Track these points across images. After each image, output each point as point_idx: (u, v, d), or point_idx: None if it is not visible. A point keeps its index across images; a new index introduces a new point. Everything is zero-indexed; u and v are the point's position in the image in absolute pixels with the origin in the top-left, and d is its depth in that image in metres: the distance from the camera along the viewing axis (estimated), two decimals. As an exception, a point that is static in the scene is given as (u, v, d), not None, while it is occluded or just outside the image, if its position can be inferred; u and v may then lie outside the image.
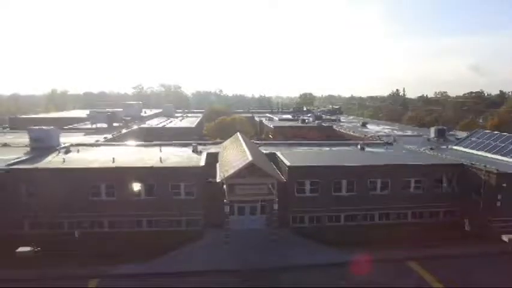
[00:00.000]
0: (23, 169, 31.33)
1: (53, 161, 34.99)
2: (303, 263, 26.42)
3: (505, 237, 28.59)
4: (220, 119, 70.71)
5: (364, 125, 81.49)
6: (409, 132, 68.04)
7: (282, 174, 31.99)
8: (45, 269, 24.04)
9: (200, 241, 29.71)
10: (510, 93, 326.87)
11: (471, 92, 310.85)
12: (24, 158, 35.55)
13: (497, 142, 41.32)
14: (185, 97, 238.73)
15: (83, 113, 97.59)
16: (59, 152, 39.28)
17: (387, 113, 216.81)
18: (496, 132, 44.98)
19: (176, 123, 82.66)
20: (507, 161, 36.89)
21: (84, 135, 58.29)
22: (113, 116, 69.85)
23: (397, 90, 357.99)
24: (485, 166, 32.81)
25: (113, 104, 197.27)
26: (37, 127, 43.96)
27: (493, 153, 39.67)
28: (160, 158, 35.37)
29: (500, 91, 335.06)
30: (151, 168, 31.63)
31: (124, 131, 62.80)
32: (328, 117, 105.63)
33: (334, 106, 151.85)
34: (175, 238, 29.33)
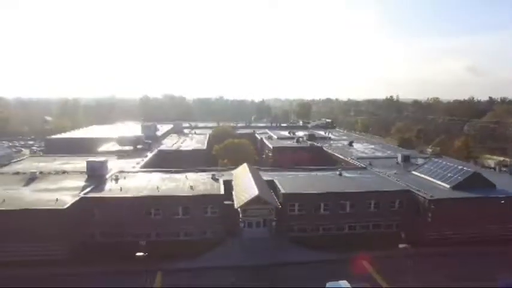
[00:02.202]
0: (96, 197, 44.46)
1: (113, 189, 48.11)
2: (293, 261, 39.68)
3: (400, 246, 39.96)
4: (227, 141, 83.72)
5: (350, 144, 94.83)
6: (386, 153, 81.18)
7: (278, 197, 45.38)
8: (125, 266, 37.20)
9: (221, 246, 42.87)
10: (499, 100, 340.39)
11: (461, 100, 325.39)
12: (91, 186, 48.52)
13: (441, 170, 54.69)
14: (189, 106, 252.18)
15: (102, 130, 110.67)
16: (112, 180, 52.42)
17: (378, 122, 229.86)
18: (442, 161, 58.20)
19: (188, 143, 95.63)
20: (444, 186, 50.27)
21: (118, 158, 71.32)
22: (137, 140, 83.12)
23: (391, 96, 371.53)
24: (424, 192, 46.17)
25: (122, 113, 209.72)
26: (93, 159, 56.50)
27: (437, 179, 52.97)
28: (191, 186, 48.59)
29: (490, 97, 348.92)
30: (188, 196, 44.86)
31: (148, 154, 75.96)
32: (321, 133, 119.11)
33: (327, 120, 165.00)
34: (205, 244, 42.49)
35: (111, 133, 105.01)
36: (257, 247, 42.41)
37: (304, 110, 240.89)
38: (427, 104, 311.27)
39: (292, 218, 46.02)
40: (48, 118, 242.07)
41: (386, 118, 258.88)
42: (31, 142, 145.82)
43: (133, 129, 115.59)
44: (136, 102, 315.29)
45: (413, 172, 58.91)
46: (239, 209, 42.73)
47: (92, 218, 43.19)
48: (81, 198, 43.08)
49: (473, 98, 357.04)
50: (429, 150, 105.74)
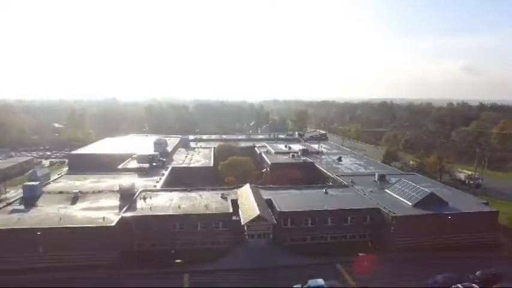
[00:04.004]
0: (133, 216, 56.97)
1: (144, 208, 60.63)
2: (286, 264, 52.33)
3: (360, 254, 52.70)
4: (230, 159, 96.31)
5: (339, 159, 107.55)
6: (368, 169, 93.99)
7: (275, 214, 58.17)
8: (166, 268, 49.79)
9: (231, 253, 55.44)
10: (489, 105, 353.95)
11: (452, 106, 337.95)
12: (125, 205, 60.89)
13: (407, 189, 67.44)
14: (191, 114, 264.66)
15: (117, 145, 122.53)
16: (141, 198, 64.93)
17: (371, 127, 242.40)
18: (408, 181, 70.67)
19: (196, 158, 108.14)
20: (407, 204, 63.01)
21: (139, 176, 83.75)
22: (152, 159, 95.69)
23: (385, 102, 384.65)
24: (389, 210, 58.91)
25: (127, 121, 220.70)
26: (126, 183, 68.66)
27: (403, 197, 65.67)
28: (206, 206, 61.23)
29: (480, 103, 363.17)
30: (204, 214, 57.51)
31: (164, 172, 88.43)
32: (314, 146, 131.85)
33: (321, 132, 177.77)
34: (218, 252, 55.07)
35: (126, 147, 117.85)
36: (258, 254, 55.02)
37: (301, 117, 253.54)
38: (420, 109, 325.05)
39: (285, 231, 58.68)
40: (57, 125, 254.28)
41: (380, 123, 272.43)
42: (48, 153, 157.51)
43: (144, 142, 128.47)
44: (138, 107, 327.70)
45: (386, 190, 71.56)
46: (244, 225, 55.46)
47: (131, 232, 55.71)
48: (122, 217, 55.61)
49: (465, 103, 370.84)
50: (411, 162, 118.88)
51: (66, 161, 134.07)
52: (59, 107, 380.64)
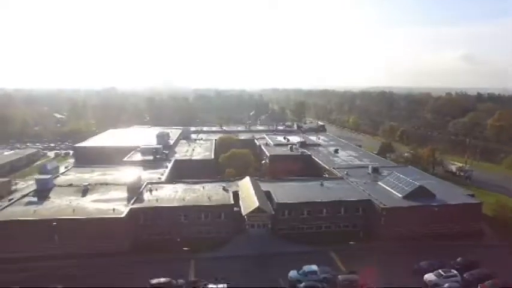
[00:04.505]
0: (141, 208, 61.03)
1: (151, 199, 64.65)
2: (283, 251, 56.62)
3: (351, 242, 57.29)
4: (231, 152, 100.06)
5: (336, 151, 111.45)
6: (363, 161, 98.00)
7: (273, 205, 62.26)
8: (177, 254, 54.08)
9: (232, 242, 59.67)
10: (486, 95, 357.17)
11: (450, 96, 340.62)
12: (133, 197, 64.88)
13: (397, 182, 71.47)
14: (190, 105, 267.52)
15: (121, 137, 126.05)
16: (147, 191, 68.92)
17: (370, 117, 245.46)
18: (399, 174, 74.60)
19: (197, 151, 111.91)
20: (397, 195, 67.08)
21: (144, 169, 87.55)
22: (156, 151, 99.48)
23: (384, 91, 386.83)
24: (380, 202, 62.98)
25: (128, 112, 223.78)
26: (134, 177, 72.26)
27: (394, 190, 69.69)
28: (209, 197, 65.28)
29: (478, 93, 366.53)
30: (207, 206, 61.59)
31: (167, 164, 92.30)
32: (312, 138, 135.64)
33: (319, 123, 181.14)
34: (219, 240, 59.30)
35: (130, 140, 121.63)
36: (258, 242, 59.26)
37: (300, 108, 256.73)
38: (418, 99, 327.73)
39: (283, 221, 62.85)
40: (58, 116, 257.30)
41: (378, 113, 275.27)
42: (52, 145, 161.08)
43: (147, 135, 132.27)
44: (139, 97, 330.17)
45: (379, 182, 75.57)
46: (245, 215, 59.57)
47: (139, 222, 59.83)
48: (131, 209, 59.66)
49: (464, 93, 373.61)
50: (406, 154, 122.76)
51: (71, 152, 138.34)
52: (58, 96, 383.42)
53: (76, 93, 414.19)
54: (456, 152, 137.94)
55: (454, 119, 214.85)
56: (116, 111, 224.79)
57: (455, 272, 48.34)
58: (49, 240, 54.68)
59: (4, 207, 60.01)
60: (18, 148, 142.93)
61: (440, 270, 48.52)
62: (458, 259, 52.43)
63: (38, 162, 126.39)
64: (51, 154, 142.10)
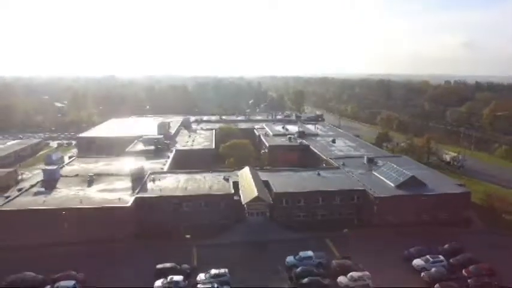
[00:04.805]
0: (145, 197, 63.91)
1: (154, 189, 67.51)
2: (280, 238, 59.78)
3: (345, 229, 60.77)
4: (231, 142, 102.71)
5: (333, 141, 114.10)
6: (359, 152, 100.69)
7: (271, 194, 65.19)
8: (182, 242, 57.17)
9: (232, 229, 62.76)
10: (486, 83, 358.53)
11: (449, 85, 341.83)
12: (137, 186, 67.70)
13: (391, 172, 74.34)
14: (190, 94, 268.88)
15: (122, 126, 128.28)
16: (150, 180, 71.70)
17: (368, 107, 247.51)
18: (393, 165, 77.43)
19: (198, 141, 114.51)
20: (390, 185, 69.99)
21: (146, 159, 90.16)
22: (157, 141, 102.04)
23: (382, 80, 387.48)
24: (373, 191, 65.90)
25: (128, 101, 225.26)
26: (137, 167, 75.03)
27: (387, 179, 72.59)
28: (210, 186, 68.14)
29: (476, 82, 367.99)
30: (209, 195, 64.51)
31: (169, 154, 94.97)
32: (310, 128, 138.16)
33: (317, 113, 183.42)
34: (220, 227, 62.34)
35: (131, 130, 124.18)
36: (257, 230, 62.41)
37: (298, 98, 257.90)
38: (417, 87, 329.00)
39: (281, 209, 65.85)
40: (59, 105, 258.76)
41: (376, 102, 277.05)
42: (55, 135, 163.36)
43: (147, 124, 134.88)
44: (138, 86, 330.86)
45: (373, 172, 78.43)
46: (244, 204, 62.55)
47: (143, 210, 62.76)
48: (136, 198, 62.54)
49: (462, 81, 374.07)
50: (402, 144, 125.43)
51: (73, 142, 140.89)
52: (58, 84, 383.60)
53: (76, 82, 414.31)
54: (452, 141, 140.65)
55: (452, 108, 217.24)
56: (117, 100, 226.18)
57: (441, 257, 51.52)
58: (58, 228, 57.56)
59: (15, 197, 62.82)
60: (21, 138, 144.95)
61: (428, 256, 51.70)
62: (446, 245, 55.63)
63: (42, 152, 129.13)
64: (54, 144, 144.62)
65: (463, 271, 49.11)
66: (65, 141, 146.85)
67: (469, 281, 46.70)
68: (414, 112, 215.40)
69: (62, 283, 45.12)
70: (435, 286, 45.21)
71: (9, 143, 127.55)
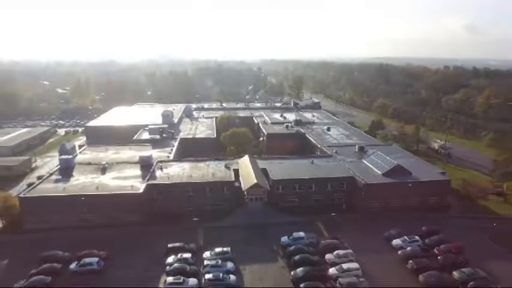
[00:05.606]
0: (155, 184, 70.56)
1: (162, 176, 74.11)
2: (277, 222, 66.78)
3: (333, 213, 67.95)
4: (231, 131, 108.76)
5: (328, 129, 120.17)
6: (352, 140, 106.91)
7: (269, 181, 71.96)
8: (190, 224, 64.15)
9: (234, 214, 69.71)
10: (483, 69, 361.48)
11: (447, 71, 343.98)
12: (147, 174, 74.21)
13: (379, 160, 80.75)
14: (191, 81, 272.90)
15: (127, 115, 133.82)
16: (158, 168, 78.22)
17: (366, 92, 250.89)
18: (380, 153, 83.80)
19: (200, 129, 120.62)
20: (378, 173, 76.56)
21: (153, 148, 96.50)
22: (163, 130, 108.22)
23: (381, 65, 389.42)
24: (362, 178, 72.55)
25: (131, 88, 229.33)
26: (145, 155, 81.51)
27: (375, 167, 79.10)
28: (213, 174, 74.78)
29: (474, 67, 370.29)
30: (212, 182, 71.20)
31: (174, 143, 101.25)
32: (308, 116, 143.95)
33: (314, 101, 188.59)
34: (222, 211, 69.25)
35: (136, 119, 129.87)
36: (256, 214, 69.43)
37: (297, 84, 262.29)
38: (416, 72, 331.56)
39: (277, 195, 72.65)
40: (60, 91, 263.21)
41: (374, 88, 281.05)
42: (62, 122, 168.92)
43: (151, 112, 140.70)
44: (139, 71, 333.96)
45: (363, 160, 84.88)
46: (245, 190, 69.36)
47: (153, 197, 69.54)
48: (147, 185, 69.22)
49: (460, 66, 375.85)
50: (394, 132, 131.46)
51: (79, 130, 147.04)
52: (58, 69, 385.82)
53: (76, 66, 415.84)
54: (444, 129, 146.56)
55: (448, 95, 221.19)
56: (118, 86, 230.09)
57: (417, 237, 58.59)
58: (78, 212, 64.32)
59: (37, 185, 69.48)
60: (29, 126, 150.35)
61: (405, 237, 58.77)
62: (423, 228, 62.66)
63: (51, 140, 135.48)
64: (62, 132, 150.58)
65: (435, 249, 56.21)
66: (71, 129, 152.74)
67: (439, 257, 53.78)
68: (411, 99, 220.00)
69: (87, 259, 52.16)
70: (409, 262, 52.33)
71: (18, 132, 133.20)
